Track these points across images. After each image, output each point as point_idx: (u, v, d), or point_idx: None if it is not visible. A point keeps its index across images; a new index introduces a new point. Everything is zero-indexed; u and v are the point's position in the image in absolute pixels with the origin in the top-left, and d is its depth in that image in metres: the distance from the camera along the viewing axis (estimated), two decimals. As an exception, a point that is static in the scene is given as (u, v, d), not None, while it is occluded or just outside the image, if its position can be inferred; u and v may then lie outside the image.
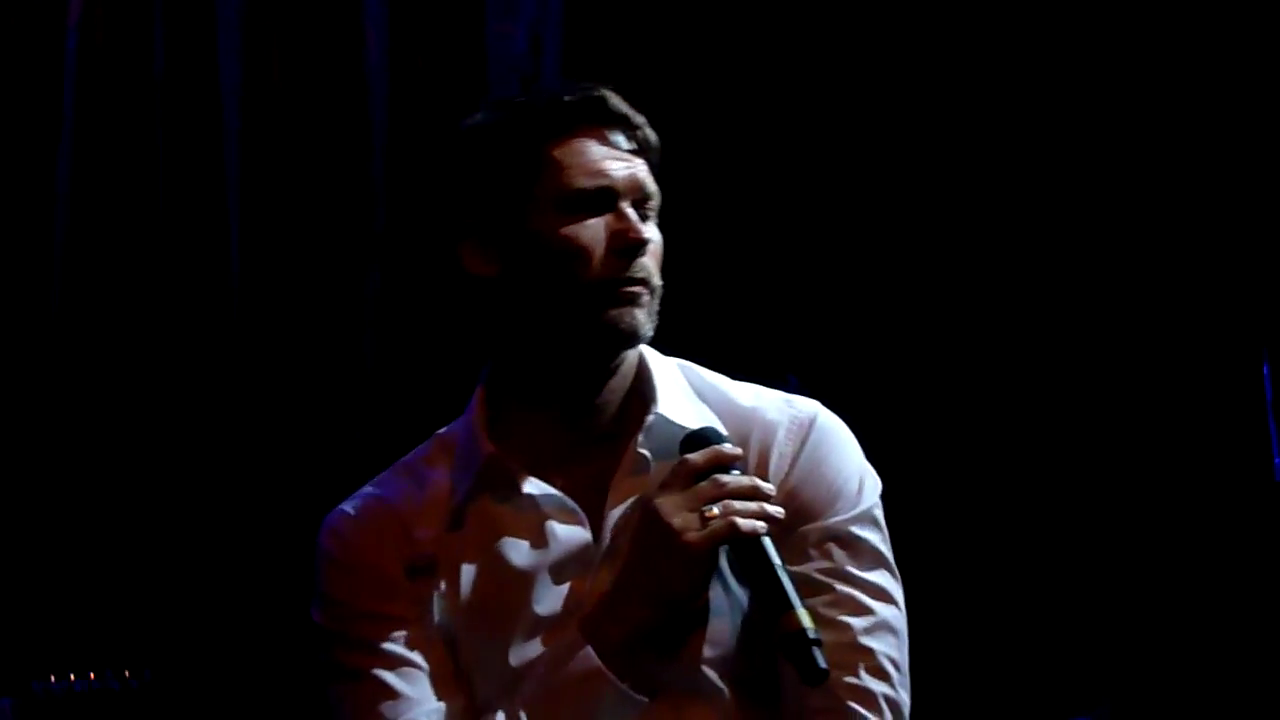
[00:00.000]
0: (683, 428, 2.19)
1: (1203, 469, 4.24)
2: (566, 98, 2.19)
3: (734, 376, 2.30)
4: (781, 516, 2.10)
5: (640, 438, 2.19)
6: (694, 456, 2.12)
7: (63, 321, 4.39)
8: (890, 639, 2.16)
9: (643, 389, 2.22)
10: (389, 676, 2.17)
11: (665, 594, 2.10)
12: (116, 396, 4.36)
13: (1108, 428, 4.29)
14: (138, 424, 4.35)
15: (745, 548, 2.09)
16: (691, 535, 2.07)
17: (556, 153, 2.17)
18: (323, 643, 2.23)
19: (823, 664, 2.01)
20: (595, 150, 2.18)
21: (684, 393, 2.25)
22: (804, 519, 2.17)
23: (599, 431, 2.21)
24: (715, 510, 2.08)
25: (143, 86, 4.48)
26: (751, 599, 2.16)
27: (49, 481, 4.30)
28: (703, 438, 2.15)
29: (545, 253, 2.15)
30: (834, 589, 2.15)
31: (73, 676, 3.73)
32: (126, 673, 3.75)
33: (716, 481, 2.09)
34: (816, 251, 4.40)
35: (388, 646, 2.18)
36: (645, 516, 2.11)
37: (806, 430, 2.23)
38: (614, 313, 2.15)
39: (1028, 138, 4.36)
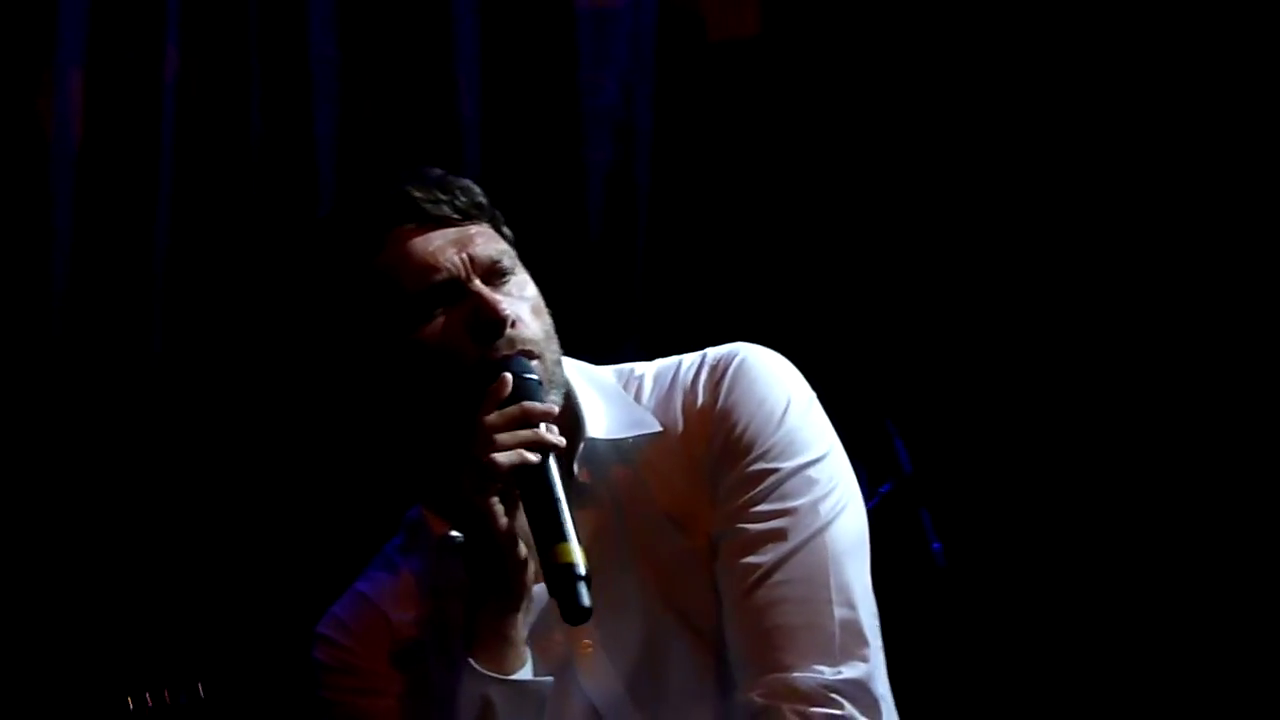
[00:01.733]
0: (616, 440, 2.17)
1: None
2: (367, 212, 2.13)
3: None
4: (561, 443, 2.05)
5: (576, 468, 2.16)
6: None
7: (165, 373, 4.43)
8: (816, 565, 2.09)
9: (574, 415, 2.18)
10: None
11: (476, 559, 2.06)
12: (217, 450, 4.39)
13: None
14: (237, 477, 4.39)
15: (529, 476, 2.03)
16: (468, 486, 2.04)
17: (383, 266, 2.12)
18: None
19: (585, 602, 1.96)
20: (418, 247, 2.11)
21: (612, 402, 2.22)
22: (728, 464, 2.14)
23: None
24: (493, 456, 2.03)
25: (240, 144, 4.52)
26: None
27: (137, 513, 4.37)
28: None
29: (419, 363, 2.11)
30: (749, 530, 2.10)
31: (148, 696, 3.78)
32: (200, 687, 3.80)
33: (486, 424, 2.05)
34: (911, 297, 4.38)
35: None
36: None
37: (720, 376, 2.19)
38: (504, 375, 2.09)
39: (1112, 164, 4.31)
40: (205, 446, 4.39)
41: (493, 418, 2.04)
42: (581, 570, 1.96)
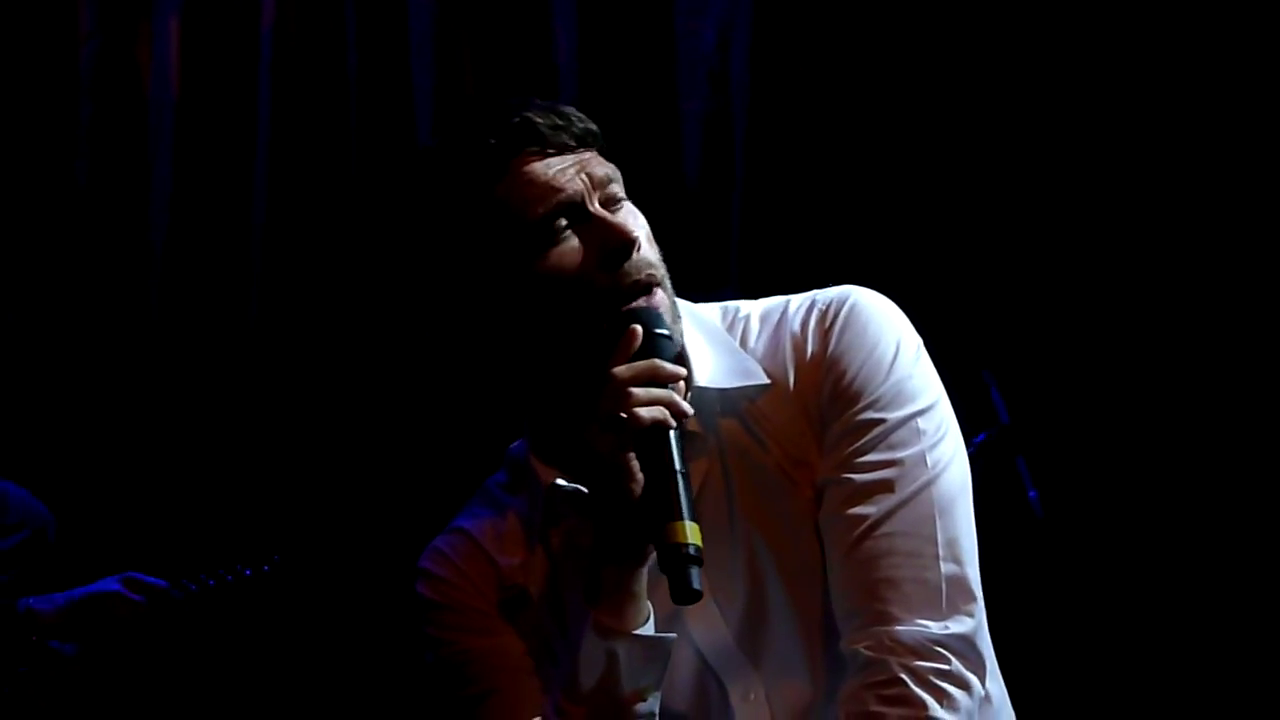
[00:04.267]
0: (723, 389, 2.13)
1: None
2: (491, 139, 2.08)
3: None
4: (690, 413, 2.00)
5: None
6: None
7: (263, 308, 4.48)
8: (923, 517, 2.05)
9: (681, 360, 2.11)
10: (511, 692, 2.15)
11: (602, 512, 2.01)
12: (311, 395, 4.46)
13: None
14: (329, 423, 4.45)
15: (653, 441, 1.96)
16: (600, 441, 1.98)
17: (503, 193, 2.07)
18: (442, 679, 2.22)
19: (696, 585, 1.89)
20: (539, 172, 2.07)
21: (719, 348, 2.17)
22: (836, 411, 2.10)
23: None
24: (635, 411, 1.97)
25: (336, 88, 4.54)
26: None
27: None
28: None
29: (542, 292, 2.06)
30: (856, 481, 2.06)
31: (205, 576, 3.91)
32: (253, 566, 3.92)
33: (615, 376, 1.99)
34: (1008, 250, 4.36)
35: (502, 666, 2.17)
36: None
37: (830, 323, 2.14)
38: (634, 326, 2.05)
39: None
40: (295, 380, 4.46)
41: (623, 370, 1.99)
42: (693, 551, 1.90)
